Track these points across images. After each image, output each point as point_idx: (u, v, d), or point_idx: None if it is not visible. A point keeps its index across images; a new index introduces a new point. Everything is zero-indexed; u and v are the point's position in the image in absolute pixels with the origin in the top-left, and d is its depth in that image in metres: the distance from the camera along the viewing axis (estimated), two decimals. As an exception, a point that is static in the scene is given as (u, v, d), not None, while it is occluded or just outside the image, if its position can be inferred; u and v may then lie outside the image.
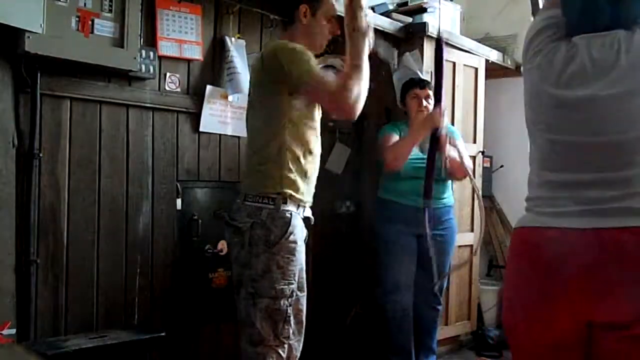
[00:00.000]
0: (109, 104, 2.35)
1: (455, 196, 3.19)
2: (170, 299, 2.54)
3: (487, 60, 3.82)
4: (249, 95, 2.16)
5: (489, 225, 4.28)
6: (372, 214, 3.14)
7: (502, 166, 4.17)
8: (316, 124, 2.07)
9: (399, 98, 3.12)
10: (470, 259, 3.60)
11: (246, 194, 1.99)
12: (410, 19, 3.36)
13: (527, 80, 1.43)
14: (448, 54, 2.77)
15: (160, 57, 2.48)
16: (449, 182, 3.06)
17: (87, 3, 2.14)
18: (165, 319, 2.49)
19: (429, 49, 3.27)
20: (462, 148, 2.96)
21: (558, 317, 1.31)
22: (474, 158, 3.70)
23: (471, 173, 2.95)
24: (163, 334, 2.24)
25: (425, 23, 3.28)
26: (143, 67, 2.38)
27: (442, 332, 3.44)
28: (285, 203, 1.95)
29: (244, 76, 2.65)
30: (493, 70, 3.99)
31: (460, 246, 3.48)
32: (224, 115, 2.71)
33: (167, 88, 2.53)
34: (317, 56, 2.51)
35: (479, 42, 3.86)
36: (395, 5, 3.47)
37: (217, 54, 2.71)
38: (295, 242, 1.96)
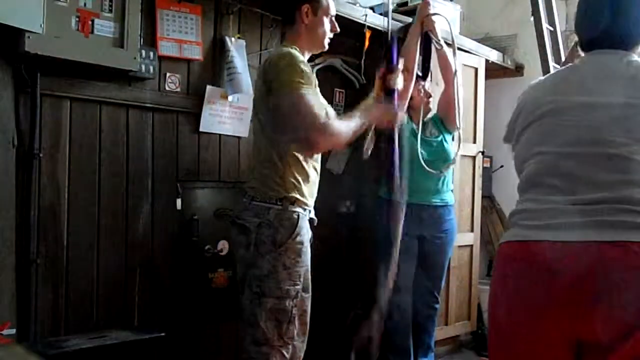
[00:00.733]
0: (109, 104, 2.35)
1: (456, 196, 3.19)
2: (170, 299, 2.54)
3: (487, 60, 3.83)
4: (254, 100, 2.18)
5: (489, 225, 4.28)
6: (372, 213, 3.14)
7: (502, 166, 4.17)
8: None
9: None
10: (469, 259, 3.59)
11: (253, 196, 2.00)
12: (410, 19, 3.35)
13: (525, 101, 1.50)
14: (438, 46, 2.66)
15: (160, 57, 2.48)
16: (449, 178, 3.04)
17: (87, 3, 2.14)
18: (165, 319, 2.48)
19: (428, 49, 3.25)
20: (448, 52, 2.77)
21: (548, 334, 1.27)
22: (473, 158, 3.70)
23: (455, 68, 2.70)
24: (163, 334, 2.24)
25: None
26: (143, 67, 2.38)
27: (442, 332, 3.45)
28: (293, 205, 1.97)
29: (244, 76, 2.65)
30: (493, 70, 4.00)
31: (460, 246, 3.48)
32: (224, 116, 2.71)
33: (167, 88, 2.53)
34: (318, 55, 2.53)
35: (479, 42, 3.87)
36: (395, 5, 3.46)
37: (217, 54, 2.70)
38: (302, 243, 1.97)
